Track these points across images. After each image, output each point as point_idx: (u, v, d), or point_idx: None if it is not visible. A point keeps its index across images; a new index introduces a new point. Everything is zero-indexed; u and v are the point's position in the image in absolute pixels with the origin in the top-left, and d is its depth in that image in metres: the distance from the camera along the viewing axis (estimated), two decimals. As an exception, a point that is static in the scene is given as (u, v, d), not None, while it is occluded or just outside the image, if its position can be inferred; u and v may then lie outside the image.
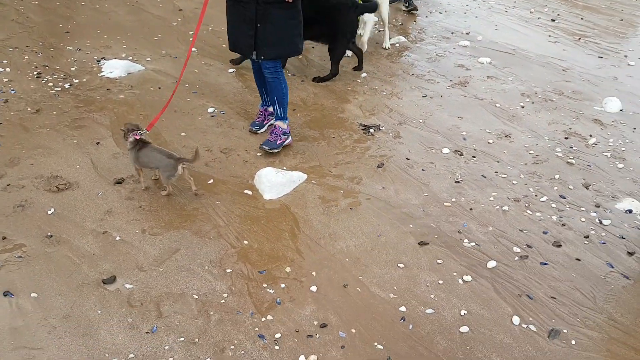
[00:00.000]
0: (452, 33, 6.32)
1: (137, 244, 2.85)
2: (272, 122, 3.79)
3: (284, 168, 3.52)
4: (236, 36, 3.23)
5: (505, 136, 4.08)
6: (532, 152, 3.88)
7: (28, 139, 3.64)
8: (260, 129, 3.82)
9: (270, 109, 3.79)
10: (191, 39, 3.21)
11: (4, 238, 2.80)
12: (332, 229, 3.05)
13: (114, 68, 4.56)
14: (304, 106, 4.41)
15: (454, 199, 3.34)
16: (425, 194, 3.37)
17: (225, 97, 4.42)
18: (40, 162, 3.42)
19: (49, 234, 2.86)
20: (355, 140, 3.94)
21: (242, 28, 3.14)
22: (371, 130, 4.07)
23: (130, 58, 4.89)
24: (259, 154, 3.69)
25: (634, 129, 4.30)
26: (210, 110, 4.21)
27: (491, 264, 2.86)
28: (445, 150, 3.85)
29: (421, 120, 4.26)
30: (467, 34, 6.34)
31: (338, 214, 3.16)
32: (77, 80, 4.45)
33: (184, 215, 3.08)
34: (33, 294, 2.51)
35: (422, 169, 3.63)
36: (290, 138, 3.68)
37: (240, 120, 4.09)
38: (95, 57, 4.89)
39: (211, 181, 3.39)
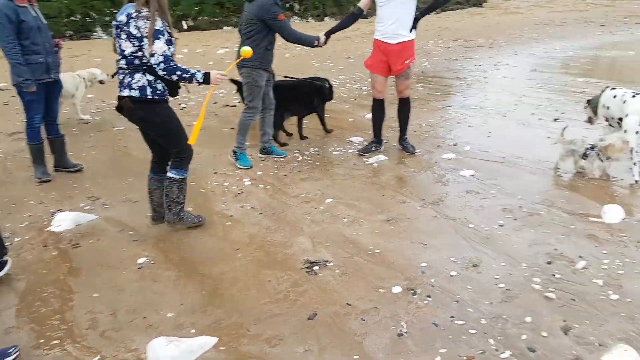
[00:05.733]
0: (438, 146, 5.86)
1: None
2: None
3: (193, 331, 2.92)
4: None
5: (473, 265, 3.38)
6: (502, 285, 3.15)
7: None
8: None
9: None
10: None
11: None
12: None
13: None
14: (250, 244, 3.91)
15: (388, 362, 2.63)
16: (355, 357, 2.67)
17: (166, 241, 3.99)
18: None
19: None
20: (293, 282, 3.35)
21: None
22: (315, 268, 3.49)
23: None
24: (169, 315, 3.10)
25: (639, 242, 3.52)
26: (140, 261, 3.68)
27: None
28: (396, 290, 3.17)
29: (377, 251, 3.65)
30: (455, 145, 5.87)
31: (239, 392, 2.51)
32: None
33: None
34: None
35: (362, 319, 2.94)
36: None
37: (168, 270, 3.59)
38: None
39: (97, 358, 2.75)
